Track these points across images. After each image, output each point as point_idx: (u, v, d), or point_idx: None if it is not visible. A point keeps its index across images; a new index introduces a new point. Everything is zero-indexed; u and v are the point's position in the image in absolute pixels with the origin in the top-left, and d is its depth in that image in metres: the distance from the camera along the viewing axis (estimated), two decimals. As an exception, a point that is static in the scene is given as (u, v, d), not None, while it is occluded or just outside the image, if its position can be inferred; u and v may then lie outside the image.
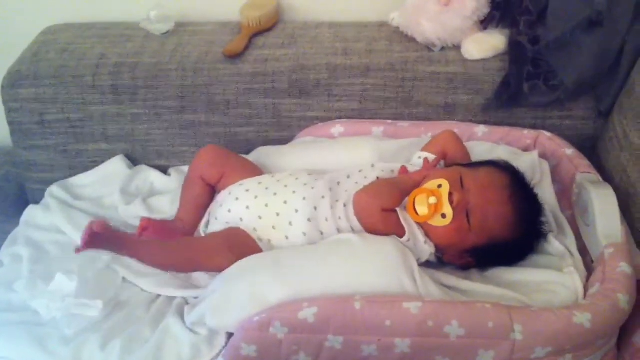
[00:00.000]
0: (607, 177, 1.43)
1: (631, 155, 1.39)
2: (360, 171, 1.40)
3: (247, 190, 1.39)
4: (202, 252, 1.33)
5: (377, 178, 1.36)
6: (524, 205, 1.28)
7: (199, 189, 1.47)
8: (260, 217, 1.35)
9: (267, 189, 1.38)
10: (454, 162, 1.40)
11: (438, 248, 1.30)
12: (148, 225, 1.39)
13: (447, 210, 1.25)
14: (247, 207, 1.36)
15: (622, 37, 1.46)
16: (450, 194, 1.26)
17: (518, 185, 1.30)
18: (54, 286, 1.33)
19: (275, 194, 1.37)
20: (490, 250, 1.28)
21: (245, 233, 1.35)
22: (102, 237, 1.23)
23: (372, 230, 1.28)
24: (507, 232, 1.27)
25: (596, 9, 1.44)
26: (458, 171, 1.30)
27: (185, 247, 1.35)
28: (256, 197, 1.37)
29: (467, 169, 1.32)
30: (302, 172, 1.42)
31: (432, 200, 1.25)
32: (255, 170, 1.48)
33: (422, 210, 1.26)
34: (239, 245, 1.33)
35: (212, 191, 1.48)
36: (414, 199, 1.27)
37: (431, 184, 1.28)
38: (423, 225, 1.28)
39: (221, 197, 1.43)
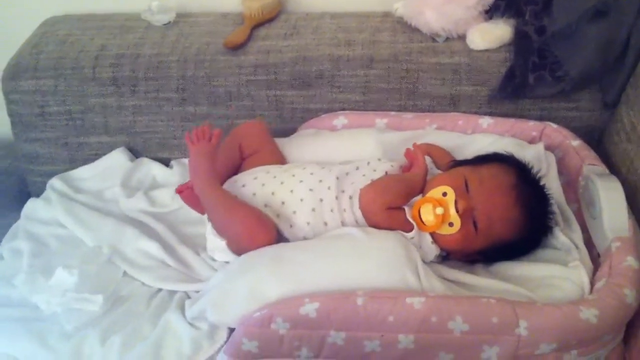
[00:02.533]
0: (613, 169, 1.42)
1: (638, 147, 1.38)
2: (368, 163, 1.39)
3: (255, 178, 1.39)
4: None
5: (386, 173, 1.35)
6: (531, 204, 1.26)
7: (233, 153, 1.48)
8: (265, 205, 1.34)
9: (274, 177, 1.38)
10: (442, 160, 1.40)
11: (443, 250, 1.29)
12: (182, 189, 1.41)
13: (455, 219, 1.24)
14: (254, 194, 1.35)
15: (628, 28, 1.44)
16: (455, 202, 1.24)
17: (525, 183, 1.27)
18: (54, 281, 1.32)
19: (282, 182, 1.36)
20: (497, 250, 1.27)
21: None
22: (213, 144, 1.35)
23: (375, 226, 1.27)
24: (514, 233, 1.25)
25: (602, -2, 1.42)
26: (462, 174, 1.28)
27: (232, 219, 1.32)
28: (263, 185, 1.37)
29: (471, 169, 1.29)
30: (310, 162, 1.42)
31: (439, 210, 1.23)
32: (282, 161, 1.49)
33: (429, 220, 1.24)
34: None
35: (238, 164, 1.49)
36: (419, 209, 1.25)
37: (436, 192, 1.26)
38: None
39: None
